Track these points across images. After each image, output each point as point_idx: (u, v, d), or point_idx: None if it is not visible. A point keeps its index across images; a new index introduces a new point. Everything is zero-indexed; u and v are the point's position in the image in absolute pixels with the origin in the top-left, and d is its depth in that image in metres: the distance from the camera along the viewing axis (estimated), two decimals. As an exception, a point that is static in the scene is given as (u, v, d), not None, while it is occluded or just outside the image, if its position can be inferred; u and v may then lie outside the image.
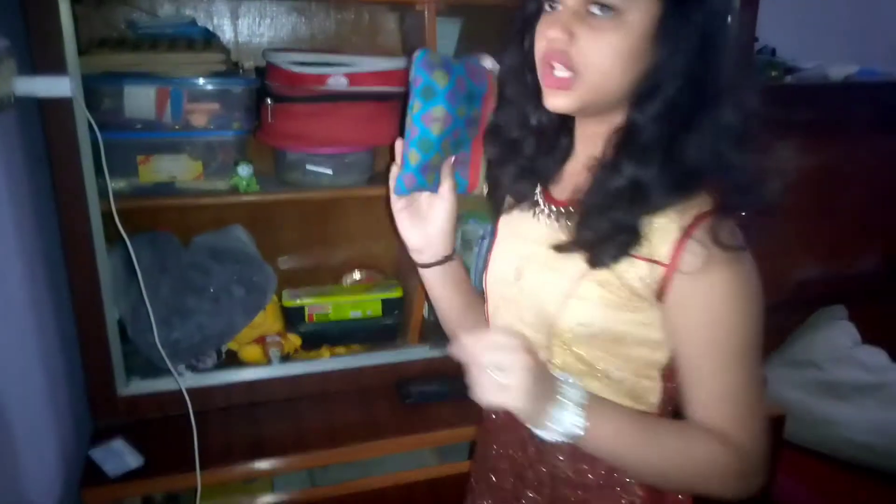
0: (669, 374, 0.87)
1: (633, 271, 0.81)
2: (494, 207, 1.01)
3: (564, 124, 0.90)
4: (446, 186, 0.96)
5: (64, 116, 1.24)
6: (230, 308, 1.51)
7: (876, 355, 2.37)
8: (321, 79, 1.46)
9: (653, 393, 0.89)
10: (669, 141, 0.79)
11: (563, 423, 0.76)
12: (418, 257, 1.01)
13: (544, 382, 0.76)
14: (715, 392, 0.83)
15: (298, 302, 1.61)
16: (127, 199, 1.37)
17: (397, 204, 0.98)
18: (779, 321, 2.40)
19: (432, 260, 1.00)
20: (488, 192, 1.01)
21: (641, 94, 0.79)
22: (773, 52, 2.35)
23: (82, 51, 1.28)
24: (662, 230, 0.80)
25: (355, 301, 1.65)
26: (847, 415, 2.18)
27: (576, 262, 0.84)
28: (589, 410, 0.77)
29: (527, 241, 0.92)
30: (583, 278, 0.84)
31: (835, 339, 2.39)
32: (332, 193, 1.58)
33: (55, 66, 1.21)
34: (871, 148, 2.36)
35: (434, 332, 1.72)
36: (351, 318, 1.65)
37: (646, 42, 0.77)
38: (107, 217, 1.31)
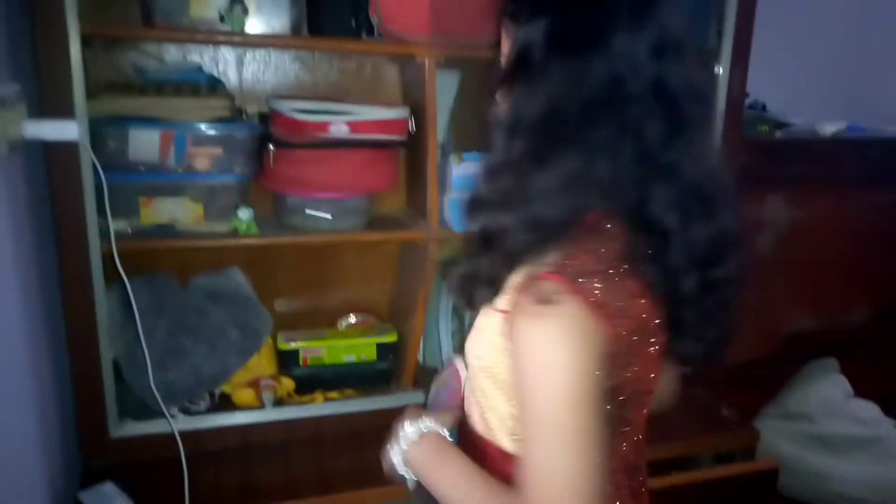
0: None
1: (494, 315, 0.83)
2: None
3: None
4: None
5: (69, 158, 1.26)
6: (225, 350, 1.51)
7: (868, 409, 2.37)
8: (323, 126, 1.50)
9: None
10: (514, 189, 0.78)
11: (395, 454, 0.95)
12: None
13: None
14: (525, 461, 0.78)
15: (293, 345, 1.61)
16: (128, 241, 1.38)
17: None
18: (770, 374, 2.41)
19: None
20: None
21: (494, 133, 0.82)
22: (764, 107, 2.41)
23: (90, 94, 1.30)
24: (515, 282, 0.80)
25: (350, 345, 1.65)
26: (841, 469, 2.18)
27: None
28: (412, 445, 0.94)
29: None
30: (481, 312, 0.87)
31: (827, 392, 2.39)
32: (330, 237, 1.60)
33: (64, 110, 1.23)
34: (859, 202, 2.41)
35: (428, 377, 1.72)
36: (345, 362, 1.65)
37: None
38: (106, 257, 1.32)
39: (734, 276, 0.84)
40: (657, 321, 0.83)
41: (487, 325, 0.85)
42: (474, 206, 0.84)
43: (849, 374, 2.46)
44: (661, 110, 0.78)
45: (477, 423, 0.93)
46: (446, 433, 0.95)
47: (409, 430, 0.94)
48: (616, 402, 0.81)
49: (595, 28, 0.76)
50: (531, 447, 0.77)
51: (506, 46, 0.83)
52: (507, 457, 0.89)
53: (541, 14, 0.78)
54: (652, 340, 0.83)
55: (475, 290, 0.84)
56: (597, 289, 0.76)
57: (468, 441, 0.95)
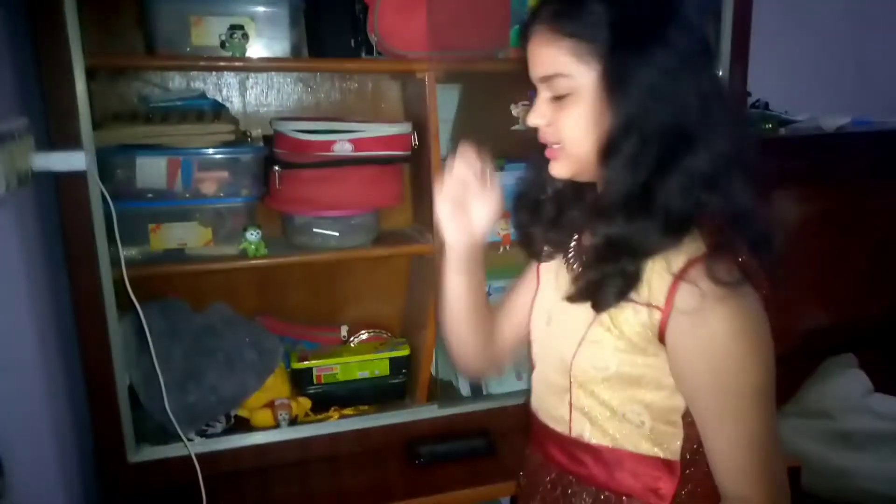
0: (691, 419, 0.88)
1: (635, 317, 0.85)
2: (533, 257, 1.05)
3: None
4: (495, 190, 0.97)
5: (78, 188, 1.28)
6: (243, 371, 1.52)
7: (889, 403, 2.35)
8: (327, 145, 1.51)
9: (675, 438, 0.90)
10: (642, 192, 0.81)
11: None
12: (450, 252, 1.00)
13: None
14: (724, 441, 0.83)
15: (306, 364, 1.62)
16: (138, 267, 1.39)
17: (444, 200, 0.97)
18: (788, 371, 2.38)
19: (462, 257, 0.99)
20: (523, 243, 1.05)
21: (603, 152, 0.84)
22: (767, 105, 2.41)
23: (97, 125, 1.32)
24: (659, 275, 0.83)
25: (363, 361, 1.65)
26: (864, 465, 2.15)
27: (587, 307, 0.88)
28: None
29: (559, 288, 0.97)
30: (593, 323, 0.88)
31: (847, 388, 2.37)
32: (338, 255, 1.61)
33: (71, 141, 1.25)
34: (869, 195, 2.39)
35: (443, 390, 1.72)
36: (359, 378, 1.65)
37: (600, 104, 0.83)
38: (118, 284, 1.34)
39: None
40: None
41: (606, 336, 0.87)
42: (601, 214, 0.86)
43: (867, 369, 2.44)
44: (724, 105, 0.86)
45: (593, 437, 0.93)
46: None
47: None
48: None
49: (682, 36, 0.81)
50: (733, 437, 0.82)
51: (563, 65, 0.84)
52: (646, 459, 0.91)
53: (634, 29, 0.81)
54: None
55: (603, 292, 0.85)
56: (743, 259, 0.82)
57: (580, 459, 0.95)
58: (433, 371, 1.71)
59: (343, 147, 1.52)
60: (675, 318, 0.81)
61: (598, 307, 0.86)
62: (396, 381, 1.67)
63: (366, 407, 1.65)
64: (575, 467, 0.96)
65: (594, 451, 0.93)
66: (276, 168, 1.53)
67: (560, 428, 0.97)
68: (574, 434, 0.95)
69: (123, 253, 1.30)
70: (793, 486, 1.65)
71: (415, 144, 1.58)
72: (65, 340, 1.35)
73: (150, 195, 1.44)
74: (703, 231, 0.84)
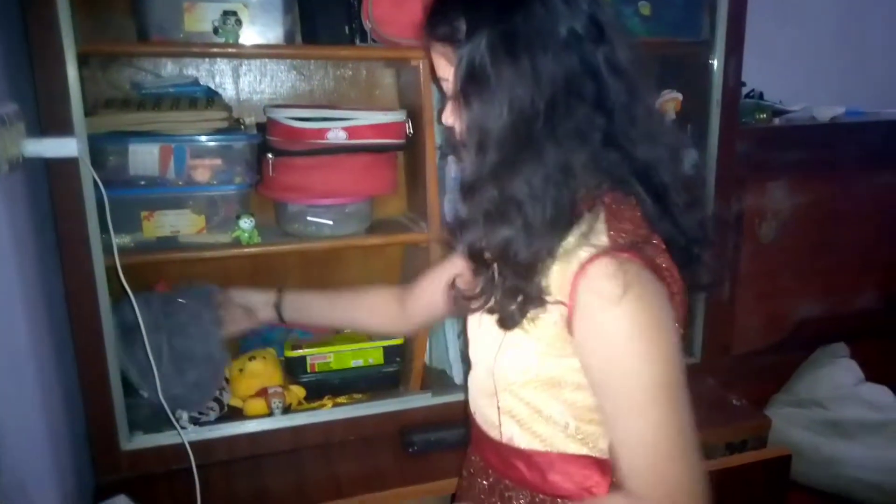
0: None
1: (548, 317, 0.83)
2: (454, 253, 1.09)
3: None
4: None
5: (70, 175, 1.27)
6: (205, 332, 1.47)
7: (880, 393, 2.37)
8: (321, 133, 1.50)
9: (601, 437, 0.89)
10: (492, 198, 0.80)
11: None
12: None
13: None
14: (624, 437, 0.81)
15: (300, 352, 1.62)
16: (130, 254, 1.39)
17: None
18: (780, 360, 2.40)
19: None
20: (448, 240, 1.11)
21: (463, 152, 0.85)
22: (761, 95, 2.41)
23: (88, 112, 1.31)
24: (561, 271, 0.81)
25: (356, 349, 1.65)
26: (854, 454, 2.17)
27: None
28: None
29: None
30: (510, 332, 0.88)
31: (838, 377, 2.39)
32: (332, 243, 1.60)
33: (62, 127, 1.24)
34: (862, 185, 2.40)
35: (436, 378, 1.72)
36: (352, 366, 1.65)
37: (458, 106, 0.83)
38: (110, 272, 1.33)
39: (706, 213, 0.92)
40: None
41: (523, 337, 0.86)
42: (462, 228, 0.85)
43: (859, 359, 2.46)
44: (618, 85, 0.82)
45: (522, 441, 0.93)
46: None
47: None
48: None
49: (534, 26, 0.78)
50: (635, 434, 0.80)
51: (445, 70, 0.85)
52: (576, 459, 0.91)
53: (480, 27, 0.79)
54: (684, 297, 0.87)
55: (503, 309, 0.84)
56: (650, 253, 0.80)
57: (513, 463, 0.95)
58: (427, 359, 1.71)
59: (337, 135, 1.51)
60: (577, 315, 0.79)
61: (505, 326, 0.85)
62: (390, 369, 1.67)
63: (359, 395, 1.65)
64: (509, 471, 0.96)
65: (526, 456, 0.93)
66: (270, 156, 1.52)
67: (493, 433, 0.97)
68: (504, 439, 0.95)
69: (116, 240, 1.30)
70: (783, 475, 1.68)
71: (409, 132, 1.58)
72: (57, 328, 1.35)
73: (142, 182, 1.44)
74: (611, 224, 0.81)
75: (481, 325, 0.96)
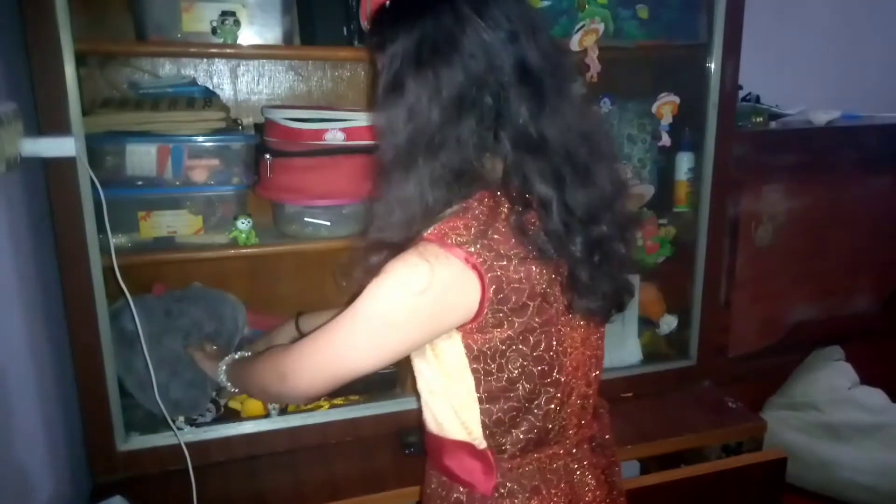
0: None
1: None
2: None
3: None
4: None
5: (67, 175, 1.27)
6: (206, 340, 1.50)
7: (874, 396, 2.37)
8: (318, 134, 1.50)
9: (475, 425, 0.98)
10: (388, 193, 0.89)
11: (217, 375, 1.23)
12: None
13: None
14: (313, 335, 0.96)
15: (297, 353, 1.62)
16: (127, 255, 1.38)
17: None
18: (775, 363, 2.41)
19: None
20: None
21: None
22: (758, 98, 2.42)
23: (86, 111, 1.31)
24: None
25: (354, 351, 1.65)
26: (849, 457, 2.18)
27: None
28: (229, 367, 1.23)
29: None
30: None
31: (833, 380, 2.39)
32: (330, 244, 1.60)
33: (60, 127, 1.24)
34: (857, 189, 2.41)
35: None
36: (350, 368, 1.65)
37: None
38: (107, 272, 1.33)
39: (613, 232, 0.93)
40: (548, 285, 0.89)
41: None
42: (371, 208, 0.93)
43: (854, 362, 2.46)
44: (525, 90, 0.85)
45: (431, 425, 1.03)
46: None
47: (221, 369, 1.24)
48: (531, 352, 0.90)
49: (440, 37, 0.84)
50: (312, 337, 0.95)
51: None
52: (462, 445, 0.98)
53: (395, 38, 0.87)
54: (549, 301, 0.89)
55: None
56: (468, 246, 0.84)
57: (434, 450, 1.05)
58: (424, 361, 1.71)
59: (335, 136, 1.51)
60: None
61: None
62: (387, 370, 1.66)
63: (356, 396, 1.65)
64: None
65: (434, 442, 1.04)
66: (268, 156, 1.52)
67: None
68: (427, 427, 1.05)
69: (113, 240, 1.29)
70: (778, 477, 1.69)
71: (407, 134, 1.58)
72: (54, 328, 1.35)
73: (139, 182, 1.43)
74: (449, 221, 0.87)
75: None
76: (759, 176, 2.19)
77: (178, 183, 1.45)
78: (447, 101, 0.84)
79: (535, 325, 0.89)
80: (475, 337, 0.89)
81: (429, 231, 0.86)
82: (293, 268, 1.78)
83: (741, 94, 2.21)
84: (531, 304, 0.88)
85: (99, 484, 1.41)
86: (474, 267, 0.84)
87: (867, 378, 2.43)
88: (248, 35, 1.47)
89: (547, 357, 0.91)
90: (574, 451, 1.01)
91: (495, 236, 0.86)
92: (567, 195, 0.87)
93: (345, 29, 1.53)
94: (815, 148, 2.34)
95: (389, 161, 0.88)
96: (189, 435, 1.44)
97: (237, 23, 1.43)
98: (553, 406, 0.95)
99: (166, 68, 1.61)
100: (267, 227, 1.59)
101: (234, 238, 1.49)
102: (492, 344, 0.89)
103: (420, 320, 0.87)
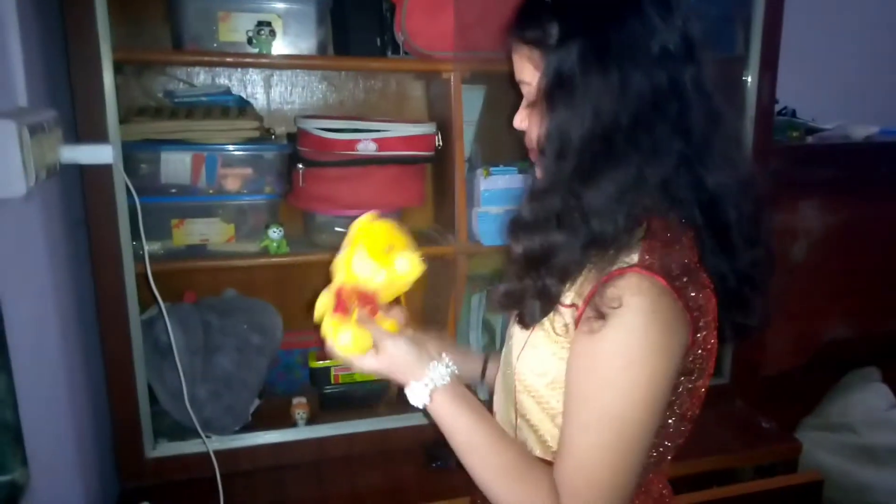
0: None
1: (560, 318, 0.83)
2: None
3: None
4: None
5: (104, 182, 1.28)
6: (255, 356, 1.51)
7: (913, 418, 2.31)
8: (350, 144, 1.51)
9: None
10: (562, 205, 0.79)
11: (415, 394, 0.88)
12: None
13: (417, 361, 0.88)
14: (565, 440, 0.81)
15: (324, 363, 1.61)
16: (160, 262, 1.39)
17: None
18: (809, 382, 2.35)
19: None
20: None
21: (539, 157, 0.83)
22: (794, 113, 2.38)
23: (122, 119, 1.33)
24: (590, 278, 0.80)
25: (381, 362, 1.64)
26: (886, 481, 2.11)
27: None
28: (437, 392, 0.87)
29: None
30: (535, 327, 0.87)
31: (869, 401, 2.33)
32: (359, 255, 1.60)
33: (98, 134, 1.26)
34: (895, 205, 2.35)
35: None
36: (377, 378, 1.64)
37: (540, 111, 0.82)
38: (139, 279, 1.34)
39: (766, 253, 0.91)
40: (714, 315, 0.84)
41: (544, 340, 0.86)
42: (518, 228, 0.84)
43: (891, 383, 2.40)
44: (702, 108, 0.81)
45: (536, 448, 0.91)
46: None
47: (440, 370, 0.88)
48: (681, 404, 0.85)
49: (628, 40, 0.77)
50: (575, 448, 0.79)
51: (526, 73, 0.84)
52: None
53: (573, 36, 0.78)
54: (713, 336, 0.85)
55: (527, 307, 0.84)
56: (683, 281, 0.78)
57: None
58: (451, 373, 1.69)
59: (367, 146, 1.51)
60: (584, 315, 0.78)
61: (524, 323, 0.86)
62: (414, 382, 1.66)
63: (383, 408, 1.64)
64: None
65: None
66: (300, 166, 1.53)
67: (510, 434, 0.95)
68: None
69: (147, 247, 1.30)
70: (814, 500, 1.64)
71: (438, 145, 1.57)
72: (86, 334, 1.36)
73: (173, 190, 1.45)
74: (649, 244, 0.79)
75: (512, 326, 0.95)
76: (794, 191, 2.15)
77: (211, 191, 1.47)
78: (634, 109, 0.77)
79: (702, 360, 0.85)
80: None
81: (634, 259, 0.78)
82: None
83: (777, 108, 2.18)
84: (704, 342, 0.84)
85: (127, 490, 1.42)
86: (687, 306, 0.79)
87: (905, 400, 2.36)
88: (283, 45, 1.48)
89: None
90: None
91: (690, 265, 0.81)
92: (744, 215, 0.86)
93: (378, 40, 1.54)
94: (853, 163, 2.29)
95: (566, 174, 0.79)
96: (217, 443, 1.44)
97: (272, 33, 1.44)
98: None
99: (201, 77, 1.63)
100: (297, 237, 1.59)
101: (266, 247, 1.50)
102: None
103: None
